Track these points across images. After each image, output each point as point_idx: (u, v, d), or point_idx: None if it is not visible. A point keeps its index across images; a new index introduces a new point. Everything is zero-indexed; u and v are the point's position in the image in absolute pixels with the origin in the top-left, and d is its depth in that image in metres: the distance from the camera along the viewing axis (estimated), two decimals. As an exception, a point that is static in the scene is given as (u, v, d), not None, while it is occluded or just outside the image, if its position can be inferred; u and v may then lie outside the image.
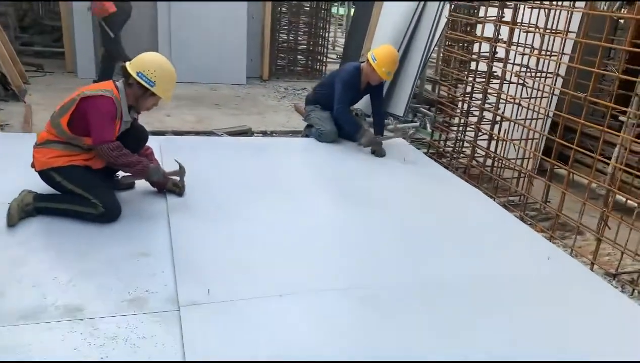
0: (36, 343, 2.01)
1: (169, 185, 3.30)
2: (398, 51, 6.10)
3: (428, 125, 6.07)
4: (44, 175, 2.93)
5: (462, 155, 4.83)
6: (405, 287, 2.66)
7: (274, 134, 5.57)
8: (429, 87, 7.75)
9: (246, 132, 5.45)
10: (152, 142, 3.57)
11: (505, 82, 4.23)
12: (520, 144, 4.14)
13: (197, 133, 5.21)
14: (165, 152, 3.90)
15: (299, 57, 9.06)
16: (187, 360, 1.99)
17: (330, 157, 4.45)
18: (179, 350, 2.05)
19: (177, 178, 3.29)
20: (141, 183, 3.34)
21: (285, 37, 8.96)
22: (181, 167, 3.27)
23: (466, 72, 4.71)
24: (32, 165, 2.99)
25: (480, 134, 4.51)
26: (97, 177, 3.00)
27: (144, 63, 2.97)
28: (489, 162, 4.54)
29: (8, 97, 5.71)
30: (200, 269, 2.58)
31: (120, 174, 3.28)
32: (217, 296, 2.38)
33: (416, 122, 6.22)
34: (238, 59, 7.60)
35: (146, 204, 3.22)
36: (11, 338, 2.02)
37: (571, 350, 2.29)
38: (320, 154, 4.53)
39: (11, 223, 2.77)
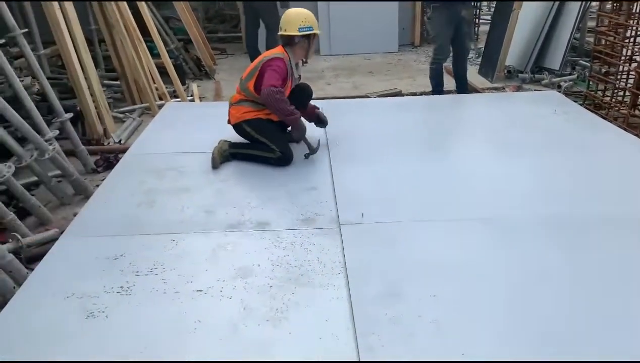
0: (239, 243, 2.75)
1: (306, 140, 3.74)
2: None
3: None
4: (238, 127, 3.73)
5: (622, 105, 4.61)
6: (539, 221, 2.86)
7: (424, 95, 5.87)
8: (591, 39, 7.22)
9: (397, 95, 5.86)
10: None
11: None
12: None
13: (353, 97, 5.77)
14: (326, 112, 4.53)
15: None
16: (346, 261, 2.54)
17: (477, 110, 4.66)
18: (340, 254, 2.62)
19: (311, 146, 3.68)
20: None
21: (437, 2, 9.03)
22: (316, 149, 3.68)
23: (629, 15, 4.46)
24: (228, 121, 3.81)
25: (642, 80, 4.28)
26: (276, 128, 3.71)
27: (295, 20, 3.56)
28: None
29: (202, 76, 6.93)
30: (356, 199, 3.12)
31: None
32: (369, 218, 2.90)
33: (574, 75, 5.96)
34: (390, 28, 7.97)
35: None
36: (223, 239, 2.78)
37: None
38: (467, 107, 4.76)
39: (215, 166, 3.62)
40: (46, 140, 3.45)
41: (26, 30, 3.72)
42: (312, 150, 3.71)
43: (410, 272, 2.46)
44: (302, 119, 3.68)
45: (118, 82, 5.70)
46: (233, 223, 2.94)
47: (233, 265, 2.55)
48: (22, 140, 3.54)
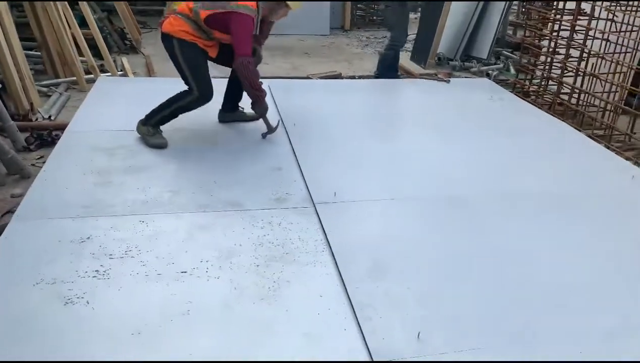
0: (215, 224, 2.65)
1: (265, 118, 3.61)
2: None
3: (511, 68, 6.25)
4: (167, 39, 3.32)
5: (547, 92, 5.04)
6: (491, 196, 3.08)
7: (362, 78, 5.99)
8: (510, 31, 7.79)
9: (337, 77, 5.91)
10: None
11: (594, 18, 4.38)
12: (607, 77, 4.32)
13: (295, 78, 5.74)
14: (275, 91, 4.50)
15: (376, 7, 9.29)
16: (328, 239, 2.56)
17: (419, 95, 4.86)
18: (319, 232, 2.63)
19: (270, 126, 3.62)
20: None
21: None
22: (274, 128, 3.63)
23: (554, 10, 4.86)
24: (160, 24, 3.43)
25: (566, 71, 4.71)
26: (205, 63, 3.40)
27: None
28: (574, 100, 4.75)
29: (127, 50, 6.48)
30: (323, 178, 3.13)
31: (247, 109, 3.85)
32: (341, 197, 2.94)
33: (499, 64, 6.41)
34: (322, 11, 7.99)
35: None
36: (197, 220, 2.67)
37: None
38: (408, 92, 4.95)
39: (163, 145, 3.39)
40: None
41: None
42: (271, 130, 3.65)
43: (390, 247, 2.55)
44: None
45: (38, 53, 5.17)
46: (203, 204, 2.83)
47: (213, 246, 2.47)
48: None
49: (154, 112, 3.42)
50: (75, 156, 3.25)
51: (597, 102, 4.52)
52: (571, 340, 2.03)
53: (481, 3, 6.27)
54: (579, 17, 4.55)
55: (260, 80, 3.43)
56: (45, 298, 2.06)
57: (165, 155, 3.37)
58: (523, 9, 7.95)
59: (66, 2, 4.92)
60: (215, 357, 1.85)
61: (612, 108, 4.36)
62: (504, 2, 6.09)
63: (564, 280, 2.37)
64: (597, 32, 4.37)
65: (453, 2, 6.21)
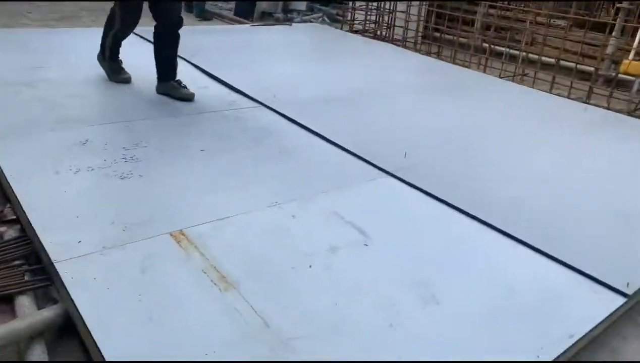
0: (197, 123, 2.94)
1: None
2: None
3: (326, 18, 7.37)
4: None
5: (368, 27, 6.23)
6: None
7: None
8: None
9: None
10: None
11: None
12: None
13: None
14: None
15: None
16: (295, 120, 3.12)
17: (273, 36, 5.55)
18: (283, 119, 3.17)
19: None
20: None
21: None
22: None
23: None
24: None
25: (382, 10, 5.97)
26: None
27: None
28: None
29: None
30: (253, 89, 3.62)
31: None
32: (280, 98, 3.49)
33: (317, 14, 7.47)
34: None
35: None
36: (182, 121, 2.92)
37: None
38: (264, 34, 5.58)
39: (128, 80, 3.47)
40: None
41: None
42: None
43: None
44: None
45: None
46: (171, 112, 3.06)
47: (211, 133, 2.80)
48: None
49: (101, 44, 3.44)
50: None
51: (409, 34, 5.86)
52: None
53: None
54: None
55: None
56: (99, 179, 2.19)
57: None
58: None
59: None
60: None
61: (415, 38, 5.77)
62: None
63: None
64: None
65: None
